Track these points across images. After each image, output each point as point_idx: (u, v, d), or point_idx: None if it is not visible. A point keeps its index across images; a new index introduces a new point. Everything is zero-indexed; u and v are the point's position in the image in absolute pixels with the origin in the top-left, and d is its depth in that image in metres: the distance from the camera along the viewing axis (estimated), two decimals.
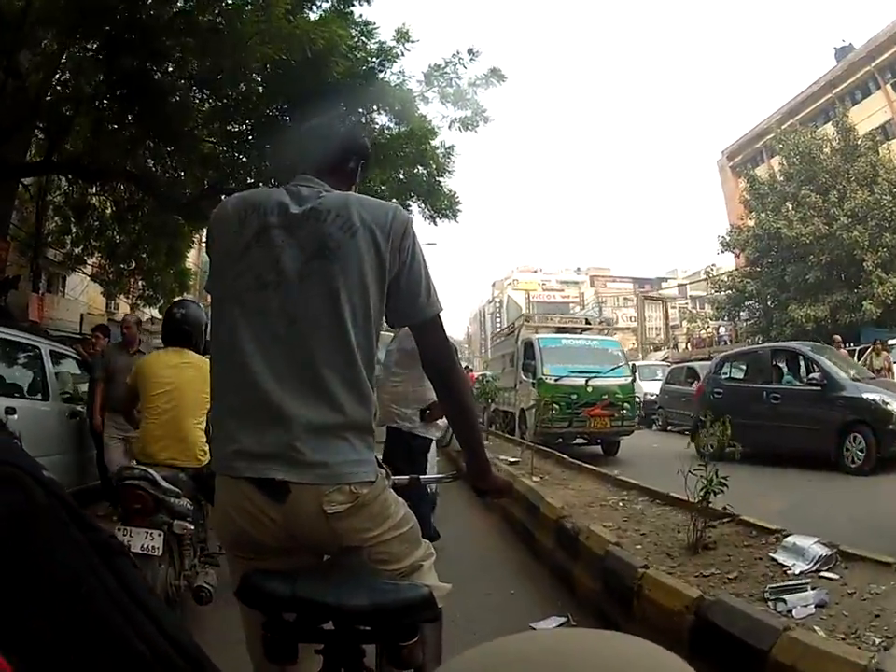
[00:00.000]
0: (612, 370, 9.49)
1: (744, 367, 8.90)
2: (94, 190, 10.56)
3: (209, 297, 1.43)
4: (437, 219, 8.46)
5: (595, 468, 6.02)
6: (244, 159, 8.63)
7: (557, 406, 8.42)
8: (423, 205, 8.47)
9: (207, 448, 2.70)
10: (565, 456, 6.85)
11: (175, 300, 6.12)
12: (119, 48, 6.99)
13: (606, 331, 11.80)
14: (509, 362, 11.80)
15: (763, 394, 7.81)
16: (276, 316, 1.20)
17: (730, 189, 30.65)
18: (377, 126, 8.04)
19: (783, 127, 22.70)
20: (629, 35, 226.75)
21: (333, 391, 1.19)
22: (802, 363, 7.89)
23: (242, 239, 1.24)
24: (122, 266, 11.42)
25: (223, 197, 9.59)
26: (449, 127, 8.66)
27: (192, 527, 2.73)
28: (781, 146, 21.26)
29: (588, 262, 61.71)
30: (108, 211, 10.95)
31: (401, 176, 8.19)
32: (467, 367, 19.00)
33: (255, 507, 1.18)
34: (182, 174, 9.43)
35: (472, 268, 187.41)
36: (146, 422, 2.95)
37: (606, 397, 9.07)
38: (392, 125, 8.12)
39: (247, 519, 1.19)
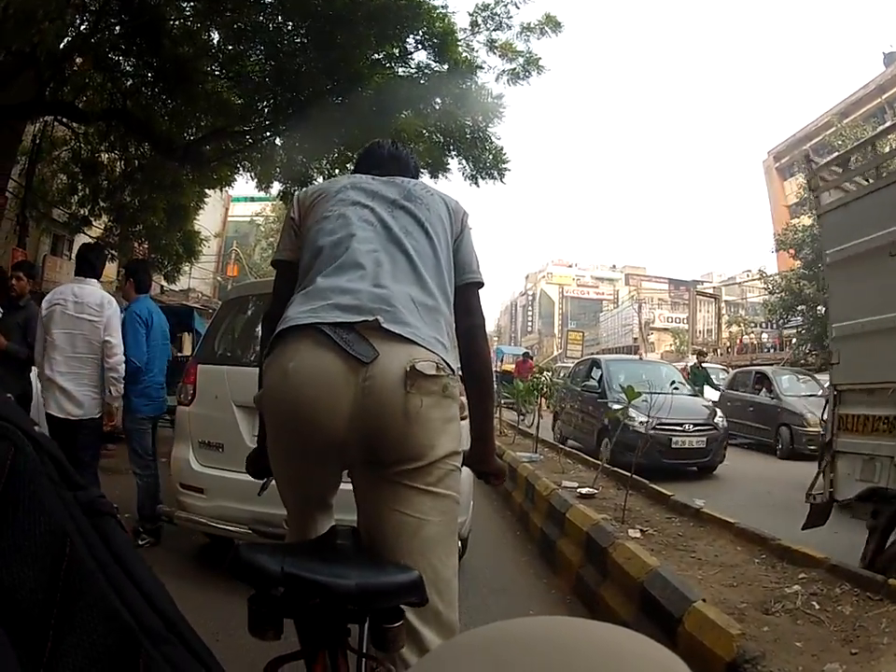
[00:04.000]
0: None
1: None
2: (104, 147, 9.77)
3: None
4: (479, 178, 7.33)
5: (720, 515, 3.77)
6: (261, 105, 7.63)
7: None
8: (464, 163, 7.38)
9: None
10: (665, 492, 4.48)
11: None
12: None
13: None
14: None
15: None
16: (375, 231, 1.32)
17: (776, 191, 29.60)
18: (413, 65, 6.97)
19: (844, 123, 21.22)
20: (668, 36, 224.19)
21: (427, 278, 1.29)
22: None
23: (336, 186, 1.44)
24: (129, 229, 10.48)
25: (230, 143, 8.60)
26: (496, 80, 7.60)
27: None
28: (841, 142, 19.85)
29: (623, 260, 59.15)
30: (118, 170, 10.13)
31: (440, 125, 7.08)
32: (527, 353, 16.55)
33: (332, 373, 1.12)
34: (197, 125, 8.46)
35: (505, 259, 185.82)
36: None
37: None
38: (431, 62, 7.02)
39: (314, 387, 1.12)
